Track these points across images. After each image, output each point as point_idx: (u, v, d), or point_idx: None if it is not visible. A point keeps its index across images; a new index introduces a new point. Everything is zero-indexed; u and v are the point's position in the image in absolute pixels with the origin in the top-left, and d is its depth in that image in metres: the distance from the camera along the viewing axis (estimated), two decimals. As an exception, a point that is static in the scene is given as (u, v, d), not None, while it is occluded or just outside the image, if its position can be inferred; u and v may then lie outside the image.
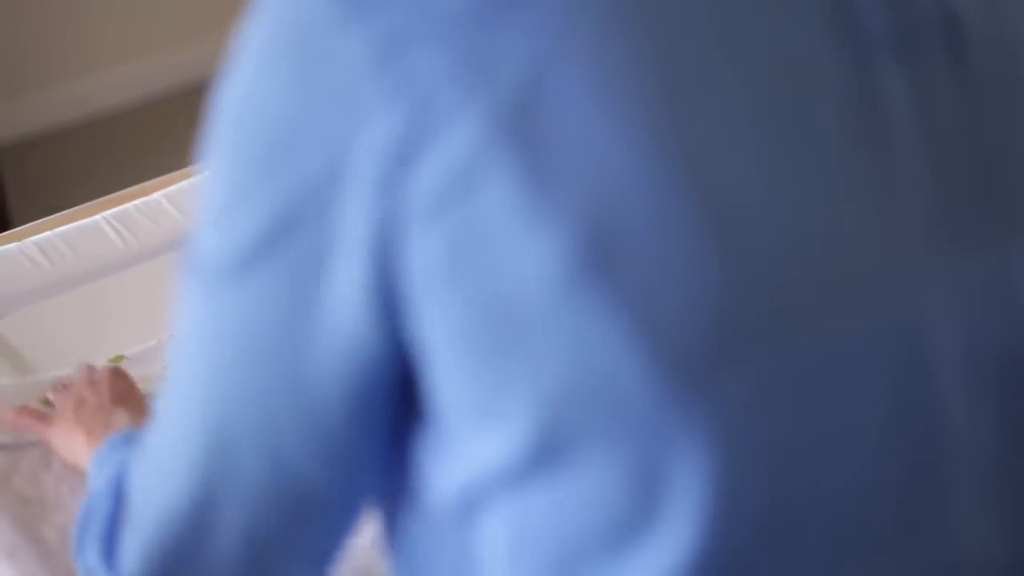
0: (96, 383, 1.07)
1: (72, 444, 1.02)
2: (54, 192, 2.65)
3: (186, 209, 1.35)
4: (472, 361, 0.59)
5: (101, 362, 1.16)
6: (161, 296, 1.26)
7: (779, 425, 0.60)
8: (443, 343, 0.60)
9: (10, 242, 1.31)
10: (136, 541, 0.70)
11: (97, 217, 1.34)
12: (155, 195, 1.37)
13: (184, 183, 1.38)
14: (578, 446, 0.59)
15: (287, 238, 0.60)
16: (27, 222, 2.44)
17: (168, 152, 2.78)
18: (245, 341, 0.63)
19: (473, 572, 0.65)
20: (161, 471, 0.68)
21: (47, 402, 1.12)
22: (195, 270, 0.65)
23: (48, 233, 1.32)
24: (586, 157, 0.57)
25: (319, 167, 0.59)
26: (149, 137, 2.83)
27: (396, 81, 0.57)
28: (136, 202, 1.36)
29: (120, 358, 1.17)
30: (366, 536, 0.95)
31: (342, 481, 0.66)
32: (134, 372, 1.16)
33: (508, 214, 0.57)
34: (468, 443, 0.62)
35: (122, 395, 1.05)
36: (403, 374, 0.63)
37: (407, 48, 0.57)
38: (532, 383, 0.59)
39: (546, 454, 0.60)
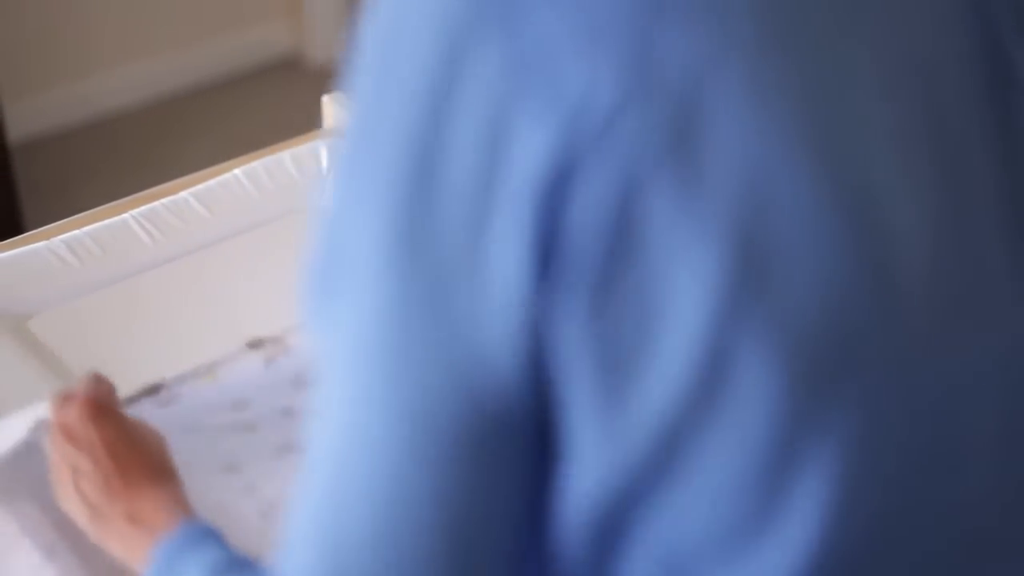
0: (81, 439, 0.90)
1: (105, 539, 0.88)
2: (66, 191, 2.65)
3: (214, 207, 1.35)
4: (608, 373, 0.58)
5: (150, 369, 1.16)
6: (191, 295, 1.27)
7: (903, 436, 0.60)
8: (580, 352, 0.58)
9: (38, 241, 1.31)
10: None
11: (125, 216, 1.34)
12: (183, 194, 1.36)
13: (211, 182, 1.38)
14: (703, 452, 0.59)
15: (447, 277, 0.57)
16: (39, 221, 2.45)
17: (178, 152, 2.78)
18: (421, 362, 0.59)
19: None
20: None
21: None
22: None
23: (77, 232, 1.32)
24: (742, 167, 0.55)
25: (471, 198, 0.56)
26: (159, 137, 2.84)
27: (544, 96, 0.54)
28: (164, 200, 1.36)
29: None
30: None
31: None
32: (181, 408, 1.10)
33: (667, 226, 0.55)
34: (595, 464, 0.60)
35: (129, 454, 0.89)
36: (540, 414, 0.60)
37: (558, 55, 0.54)
38: (666, 388, 0.57)
39: (671, 460, 0.59)
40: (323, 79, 3.02)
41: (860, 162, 0.57)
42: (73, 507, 0.90)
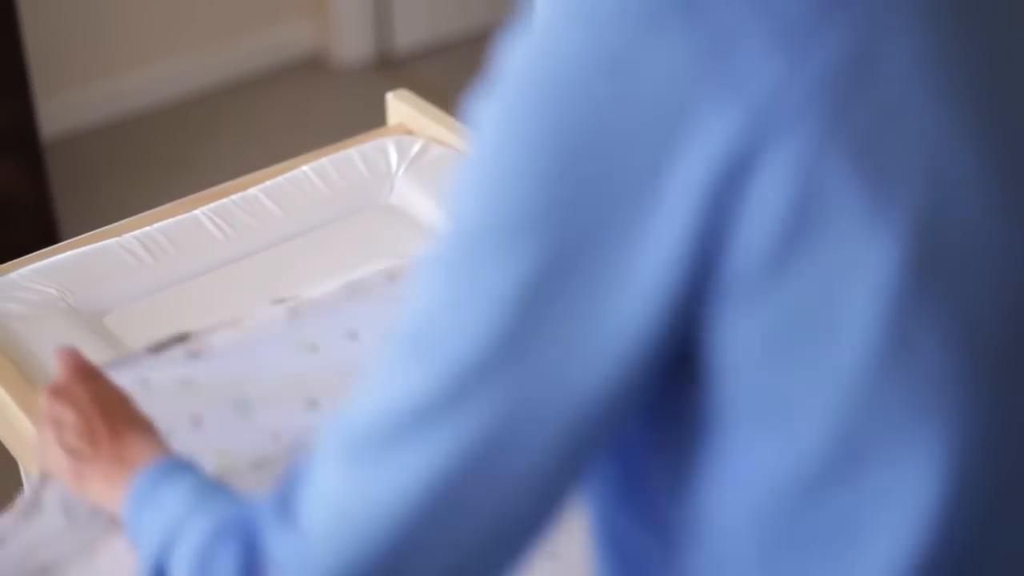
0: (70, 394, 0.93)
1: (84, 486, 0.91)
2: (94, 187, 2.65)
3: (284, 204, 1.34)
4: (775, 366, 0.58)
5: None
6: (263, 290, 1.27)
7: None
8: (744, 349, 0.58)
9: (109, 237, 1.31)
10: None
11: (196, 212, 1.33)
12: (252, 190, 1.36)
13: (280, 178, 1.38)
14: (875, 445, 0.59)
15: (585, 251, 0.57)
16: (70, 216, 2.45)
17: (205, 150, 2.78)
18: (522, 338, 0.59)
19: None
20: (361, 502, 0.62)
21: None
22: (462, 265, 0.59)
23: (149, 228, 1.31)
24: (919, 155, 0.56)
25: (635, 177, 0.56)
26: (186, 135, 2.83)
27: (729, 85, 0.55)
28: (234, 197, 1.35)
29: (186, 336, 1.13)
30: None
31: (563, 489, 0.62)
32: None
33: (847, 220, 0.55)
34: (752, 450, 0.60)
35: (115, 407, 0.92)
36: (663, 382, 0.61)
37: (738, 49, 0.55)
38: (838, 384, 0.58)
39: (842, 457, 0.59)
40: (349, 78, 3.03)
41: None
42: (54, 461, 0.93)
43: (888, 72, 0.55)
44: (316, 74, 3.04)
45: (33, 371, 1.15)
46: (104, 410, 0.92)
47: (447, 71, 2.98)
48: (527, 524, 0.62)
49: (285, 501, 0.65)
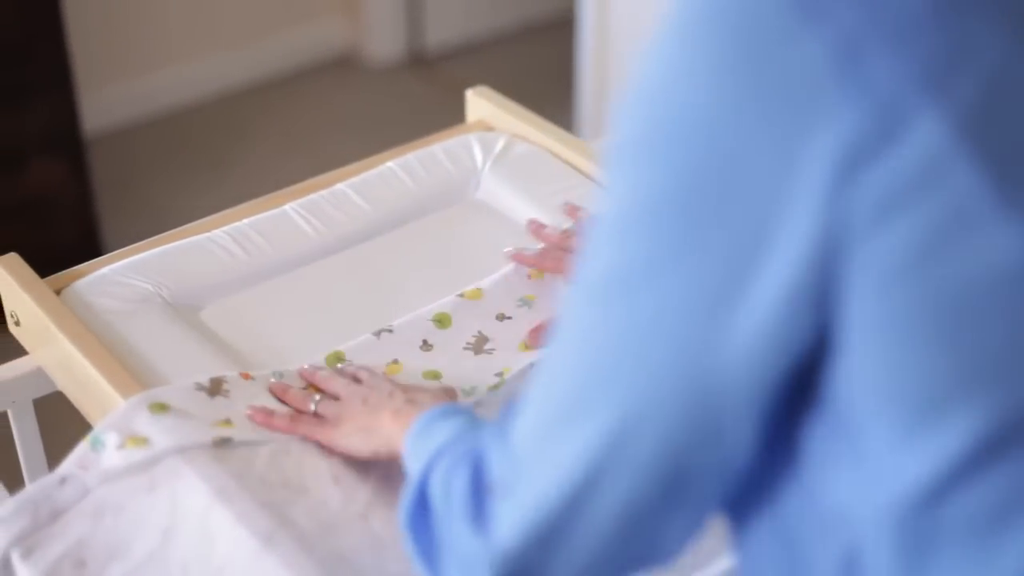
0: (363, 377, 1.10)
1: (373, 429, 1.05)
2: (133, 184, 2.65)
3: (372, 199, 1.35)
4: (918, 355, 0.60)
5: (319, 359, 1.16)
6: (354, 284, 1.27)
7: None
8: (883, 339, 0.60)
9: (194, 234, 1.31)
10: (514, 513, 0.71)
11: (285, 207, 1.34)
12: (339, 186, 1.36)
13: (367, 173, 1.38)
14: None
15: (717, 246, 0.61)
16: (113, 214, 2.45)
17: (241, 147, 2.78)
18: (661, 338, 0.64)
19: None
20: (544, 451, 0.70)
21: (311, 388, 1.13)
22: (603, 280, 0.66)
23: (238, 223, 1.31)
24: None
25: (766, 175, 0.60)
26: (221, 133, 2.83)
27: (855, 85, 0.58)
28: (322, 192, 1.35)
29: (340, 356, 1.16)
30: None
31: (719, 469, 0.67)
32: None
33: (973, 207, 0.58)
34: (904, 445, 0.62)
35: (398, 386, 1.07)
36: (800, 378, 0.64)
37: (865, 51, 0.58)
38: (988, 370, 0.60)
39: (998, 442, 0.61)
40: (380, 76, 3.04)
41: None
42: (351, 410, 1.08)
43: (994, 58, 0.58)
44: (348, 72, 3.04)
45: (136, 367, 1.15)
46: (393, 384, 1.09)
47: (478, 69, 2.98)
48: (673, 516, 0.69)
49: (503, 427, 0.75)
